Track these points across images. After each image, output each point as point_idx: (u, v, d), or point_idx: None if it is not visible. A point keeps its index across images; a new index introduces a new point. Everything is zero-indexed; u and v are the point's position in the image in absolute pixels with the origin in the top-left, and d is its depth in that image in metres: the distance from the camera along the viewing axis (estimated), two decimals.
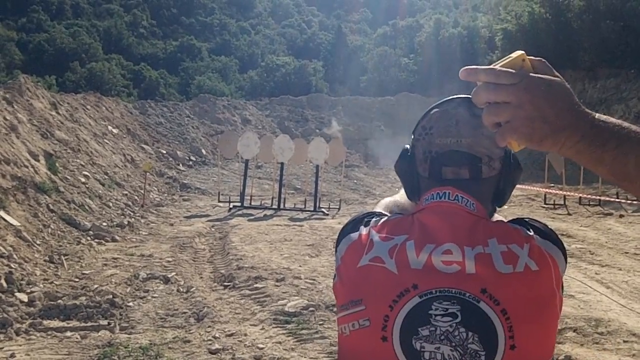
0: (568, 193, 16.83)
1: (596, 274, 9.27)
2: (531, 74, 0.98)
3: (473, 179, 1.44)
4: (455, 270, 1.30)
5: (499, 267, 1.30)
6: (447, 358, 1.25)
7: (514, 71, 0.98)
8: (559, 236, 1.46)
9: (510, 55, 1.01)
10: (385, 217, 1.48)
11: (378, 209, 1.68)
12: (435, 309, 1.27)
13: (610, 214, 14.90)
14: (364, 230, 1.45)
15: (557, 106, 0.95)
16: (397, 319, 1.28)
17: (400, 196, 1.82)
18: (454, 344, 1.25)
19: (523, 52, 1.02)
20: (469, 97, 1.42)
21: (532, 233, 1.39)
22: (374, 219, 1.48)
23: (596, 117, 0.97)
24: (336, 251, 1.49)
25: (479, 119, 1.30)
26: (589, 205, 16.29)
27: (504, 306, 1.27)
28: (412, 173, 1.52)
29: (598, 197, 16.12)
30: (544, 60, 1.02)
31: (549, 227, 1.47)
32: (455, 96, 1.53)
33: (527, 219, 1.47)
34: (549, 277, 1.34)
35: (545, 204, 17.10)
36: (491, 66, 0.99)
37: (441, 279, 1.30)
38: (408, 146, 1.55)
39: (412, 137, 1.53)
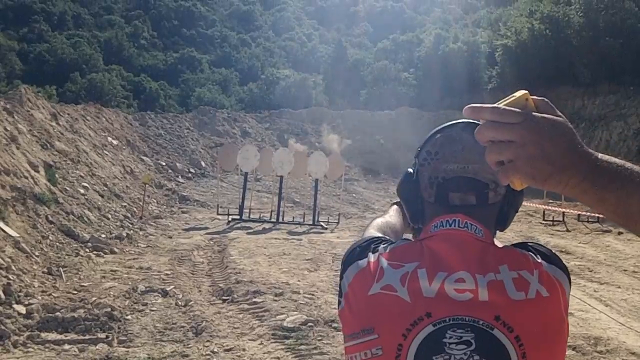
0: (567, 210, 16.84)
1: (595, 291, 9.26)
2: (535, 113, 0.98)
3: (480, 205, 1.44)
4: (468, 297, 1.30)
5: (511, 293, 1.31)
6: None
7: (518, 110, 0.98)
8: (559, 254, 1.47)
9: (514, 94, 1.02)
10: (393, 243, 1.47)
11: (371, 230, 1.67)
12: (449, 337, 1.27)
13: (609, 231, 14.89)
14: (372, 257, 1.42)
15: (560, 146, 0.95)
16: (410, 348, 1.27)
17: (390, 216, 1.82)
18: None
19: (526, 91, 1.02)
20: (474, 122, 1.43)
21: (540, 259, 1.39)
22: (381, 246, 1.46)
23: (599, 157, 0.97)
24: (342, 277, 1.46)
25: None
26: (587, 222, 16.29)
27: (517, 333, 1.27)
28: (416, 198, 1.52)
29: (597, 214, 16.10)
30: (546, 100, 1.02)
31: (552, 251, 1.47)
32: (458, 121, 1.51)
33: (530, 243, 1.47)
34: (558, 302, 1.34)
35: (544, 220, 17.11)
36: (495, 105, 1.00)
37: (454, 307, 1.29)
38: (411, 170, 1.54)
39: (416, 161, 1.52)
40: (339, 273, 1.52)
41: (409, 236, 1.79)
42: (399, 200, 1.93)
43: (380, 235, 1.58)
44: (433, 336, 1.27)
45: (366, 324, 1.33)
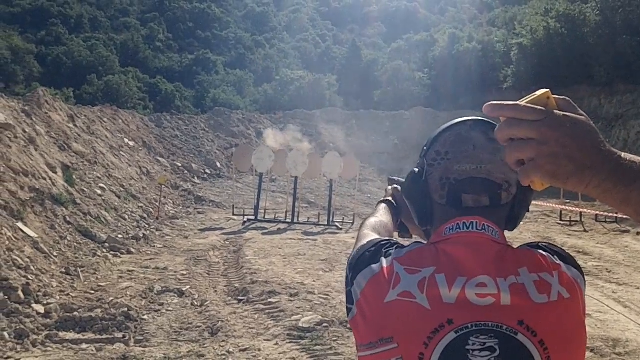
0: (584, 210, 16.71)
1: (613, 292, 9.17)
2: (556, 111, 0.98)
3: (493, 206, 1.40)
4: (490, 302, 1.27)
5: (533, 297, 1.28)
6: None
7: (539, 107, 0.98)
8: (576, 254, 1.46)
9: (535, 92, 1.02)
10: (405, 247, 1.41)
11: (367, 231, 1.61)
12: (472, 344, 1.23)
13: (627, 231, 14.76)
14: (385, 262, 1.37)
15: (582, 144, 0.94)
16: (433, 357, 1.23)
17: (382, 216, 1.77)
18: None
19: (548, 90, 1.02)
20: (481, 120, 1.45)
21: (558, 260, 1.37)
22: (393, 250, 1.41)
23: (622, 156, 0.95)
24: (352, 283, 1.39)
25: (495, 142, 1.29)
26: (605, 222, 16.14)
27: (541, 337, 1.25)
28: (425, 199, 1.46)
29: (615, 214, 15.98)
30: (568, 99, 1.01)
31: (566, 250, 1.45)
32: (466, 118, 1.48)
33: (543, 244, 1.44)
34: (578, 304, 1.33)
35: (561, 220, 16.99)
36: (516, 102, 1.00)
37: (477, 313, 1.26)
38: (417, 169, 1.48)
39: (424, 160, 1.47)
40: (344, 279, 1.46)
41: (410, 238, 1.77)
42: (385, 198, 1.92)
43: (386, 237, 1.53)
44: (456, 343, 1.24)
45: (384, 333, 1.28)
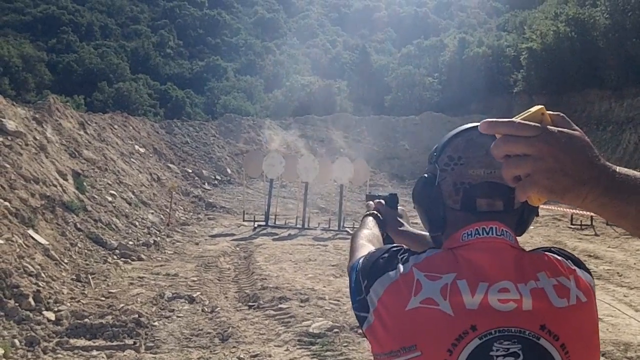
0: (595, 214, 16.60)
1: (625, 296, 9.12)
2: (551, 127, 0.98)
3: (506, 211, 1.40)
4: (512, 308, 1.27)
5: (554, 301, 1.29)
6: None
7: (533, 123, 0.97)
8: (587, 258, 1.47)
9: (530, 109, 1.02)
10: (422, 253, 1.40)
11: (363, 242, 1.62)
12: (496, 350, 1.24)
13: None
14: (402, 269, 1.35)
15: (578, 159, 0.94)
16: None
17: (373, 227, 1.78)
18: None
19: (542, 106, 1.02)
20: None
21: (573, 265, 1.39)
22: (410, 256, 1.39)
23: (617, 170, 0.96)
24: (367, 291, 1.37)
25: None
26: (616, 225, 16.01)
27: (563, 341, 1.26)
28: (438, 204, 1.45)
29: None
30: (562, 114, 1.02)
31: (575, 255, 1.46)
32: (475, 124, 1.43)
33: (554, 248, 1.44)
34: (593, 306, 1.35)
35: (572, 224, 16.90)
36: (511, 119, 1.00)
37: (499, 319, 1.26)
38: (427, 175, 1.49)
39: (436, 166, 1.47)
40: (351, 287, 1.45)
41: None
42: (371, 212, 1.93)
43: (396, 245, 1.50)
44: (480, 350, 1.24)
45: (407, 341, 1.27)
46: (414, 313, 1.28)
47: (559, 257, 1.38)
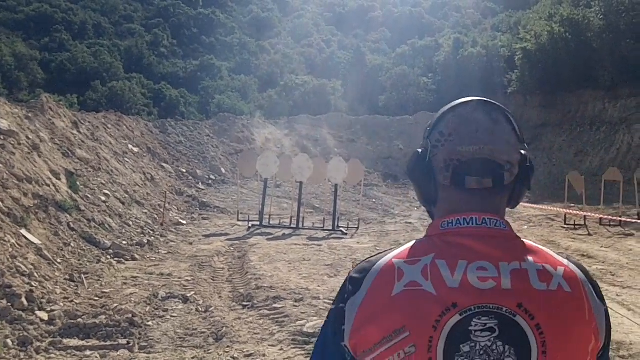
0: (588, 213, 16.68)
1: (617, 295, 9.15)
2: None
3: (496, 187, 1.43)
4: (492, 286, 1.32)
5: (534, 283, 1.33)
6: None
7: None
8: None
9: None
10: (399, 247, 1.46)
11: None
12: (474, 325, 1.29)
13: (632, 235, 14.73)
14: (382, 263, 1.41)
15: None
16: (440, 339, 1.28)
17: None
18: (492, 358, 1.27)
19: None
20: (484, 100, 1.50)
21: (566, 261, 1.42)
22: (385, 252, 1.46)
23: None
24: (345, 300, 1.41)
25: (498, 124, 1.44)
26: (609, 225, 16.12)
27: (538, 321, 1.30)
28: (430, 180, 1.48)
29: (619, 218, 15.95)
30: None
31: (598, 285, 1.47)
32: (469, 98, 1.52)
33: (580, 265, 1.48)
34: (582, 302, 1.36)
35: (565, 224, 16.94)
36: None
37: (479, 296, 1.31)
38: (420, 150, 1.51)
39: (428, 142, 1.50)
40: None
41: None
42: None
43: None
44: (460, 325, 1.29)
45: (397, 324, 1.31)
46: (400, 297, 1.33)
47: (553, 253, 1.43)
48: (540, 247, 1.44)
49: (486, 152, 1.41)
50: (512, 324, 1.29)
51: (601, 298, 1.42)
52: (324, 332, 1.50)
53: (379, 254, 1.47)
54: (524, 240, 1.45)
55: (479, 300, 1.30)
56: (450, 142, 1.45)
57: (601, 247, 13.58)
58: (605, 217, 16.14)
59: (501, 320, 1.29)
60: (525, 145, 1.50)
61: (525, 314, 1.30)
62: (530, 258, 1.37)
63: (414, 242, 1.46)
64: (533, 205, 19.05)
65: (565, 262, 1.41)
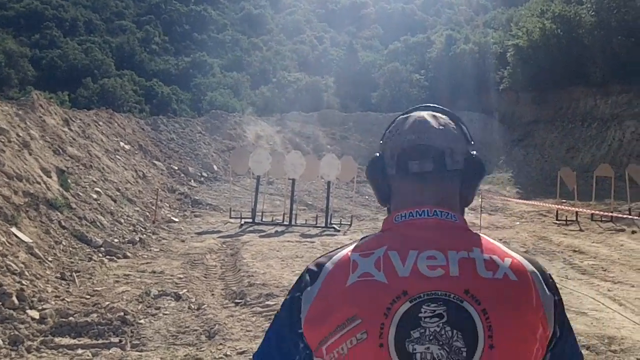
0: (580, 209, 16.74)
1: (609, 290, 9.19)
2: None
3: (437, 171, 1.51)
4: (440, 274, 1.38)
5: (480, 272, 1.39)
6: (436, 357, 1.32)
7: None
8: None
9: None
10: (353, 243, 1.53)
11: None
12: (424, 312, 1.34)
13: (623, 230, 14.80)
14: (337, 259, 1.49)
15: None
16: (391, 325, 1.34)
17: None
18: (441, 343, 1.32)
19: None
20: (434, 106, 1.64)
21: (516, 255, 1.47)
22: (344, 247, 1.53)
23: None
24: (300, 295, 1.48)
25: (441, 120, 1.57)
26: (601, 221, 16.19)
27: (484, 306, 1.35)
28: (383, 176, 1.58)
29: (610, 214, 16.04)
30: None
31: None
32: (420, 105, 1.67)
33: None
34: (528, 290, 1.41)
35: (557, 220, 17.01)
36: None
37: (428, 283, 1.37)
38: (377, 154, 1.63)
39: (380, 142, 1.63)
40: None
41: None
42: None
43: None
44: (410, 312, 1.35)
45: (349, 312, 1.37)
46: (353, 287, 1.40)
47: (502, 245, 1.49)
48: (493, 241, 1.50)
49: (425, 138, 1.53)
50: (459, 310, 1.34)
51: (553, 289, 1.47)
52: (277, 322, 1.58)
53: (337, 249, 1.54)
54: (478, 234, 1.51)
55: (428, 288, 1.36)
56: (397, 135, 1.57)
57: (593, 242, 13.64)
58: (597, 212, 16.21)
59: (449, 307, 1.34)
60: (474, 149, 1.59)
61: (472, 299, 1.35)
62: (478, 249, 1.43)
63: (369, 236, 1.53)
64: (525, 202, 19.11)
65: (515, 254, 1.47)
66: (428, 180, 1.51)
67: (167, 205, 17.96)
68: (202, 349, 6.59)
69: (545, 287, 1.45)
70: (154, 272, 10.11)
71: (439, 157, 1.51)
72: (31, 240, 9.39)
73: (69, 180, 13.03)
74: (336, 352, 1.38)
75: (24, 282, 7.85)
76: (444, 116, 1.59)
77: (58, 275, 8.96)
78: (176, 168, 23.07)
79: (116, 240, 12.03)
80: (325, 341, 1.40)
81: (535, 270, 1.45)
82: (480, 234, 1.52)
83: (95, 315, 7.37)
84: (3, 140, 11.60)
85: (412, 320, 1.34)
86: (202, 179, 23.68)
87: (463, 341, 1.33)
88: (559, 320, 1.46)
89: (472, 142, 1.60)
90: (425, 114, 1.59)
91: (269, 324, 5.78)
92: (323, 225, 15.84)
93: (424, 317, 1.34)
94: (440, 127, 1.55)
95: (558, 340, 1.46)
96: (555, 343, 1.46)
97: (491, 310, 1.35)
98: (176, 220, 16.20)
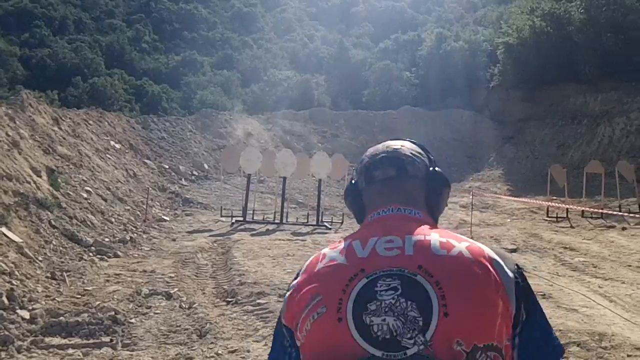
0: (571, 206, 16.81)
1: (599, 287, 9.22)
2: None
3: (399, 176, 1.74)
4: (396, 253, 1.53)
5: (435, 250, 1.52)
6: (392, 327, 1.41)
7: None
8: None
9: None
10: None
11: None
12: (380, 286, 1.47)
13: (613, 227, 14.86)
14: (317, 253, 1.69)
15: None
16: (349, 300, 1.47)
17: None
18: (396, 314, 1.42)
19: None
20: (401, 139, 1.86)
21: (476, 243, 1.58)
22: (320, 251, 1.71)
23: None
24: (289, 284, 1.68)
25: (406, 145, 1.82)
26: (591, 218, 16.26)
27: (437, 278, 1.46)
28: (357, 195, 1.80)
29: (600, 210, 16.09)
30: None
31: (515, 263, 1.60)
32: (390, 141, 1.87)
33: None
34: (484, 266, 1.50)
35: (547, 216, 17.07)
36: None
37: (384, 262, 1.52)
38: (353, 180, 1.85)
39: (354, 171, 1.87)
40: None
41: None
42: None
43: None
44: (367, 287, 1.48)
45: (313, 291, 1.54)
46: (320, 272, 1.59)
47: (461, 235, 1.62)
48: (455, 234, 1.62)
49: (389, 150, 1.79)
50: (413, 283, 1.46)
51: (516, 274, 1.55)
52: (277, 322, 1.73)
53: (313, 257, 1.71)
54: (441, 228, 1.67)
55: (384, 265, 1.51)
56: (365, 158, 1.84)
57: (583, 239, 13.69)
58: (588, 209, 16.27)
59: (403, 280, 1.47)
60: (437, 167, 1.80)
61: (425, 273, 1.47)
62: (436, 234, 1.58)
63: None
64: (515, 198, 19.16)
65: (477, 243, 1.58)
66: (393, 184, 1.73)
67: (158, 204, 17.91)
68: (194, 348, 6.57)
69: (506, 269, 1.54)
70: (145, 271, 10.08)
71: (400, 164, 1.74)
72: (21, 240, 9.34)
73: (59, 180, 12.97)
74: (305, 331, 1.52)
75: (14, 282, 7.81)
76: (408, 143, 1.83)
77: (48, 274, 8.92)
78: (167, 167, 23.01)
79: (107, 239, 11.99)
80: (297, 322, 1.55)
81: (496, 257, 1.55)
82: (443, 229, 1.67)
83: (86, 314, 7.35)
84: None
85: (369, 294, 1.46)
86: (193, 177, 23.62)
87: (418, 311, 1.42)
88: (525, 303, 1.54)
89: (435, 168, 1.79)
90: (391, 141, 1.84)
91: (260, 322, 5.78)
92: (314, 223, 15.85)
93: (380, 291, 1.46)
94: (403, 146, 1.80)
95: (525, 323, 1.54)
96: (523, 327, 1.54)
97: (444, 281, 1.45)
98: (167, 219, 16.17)
